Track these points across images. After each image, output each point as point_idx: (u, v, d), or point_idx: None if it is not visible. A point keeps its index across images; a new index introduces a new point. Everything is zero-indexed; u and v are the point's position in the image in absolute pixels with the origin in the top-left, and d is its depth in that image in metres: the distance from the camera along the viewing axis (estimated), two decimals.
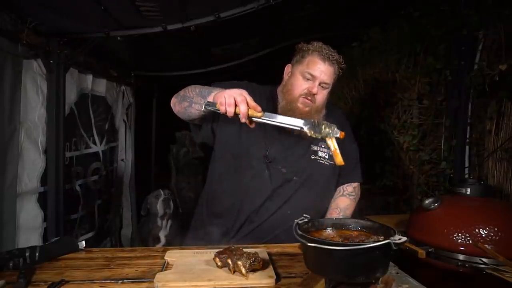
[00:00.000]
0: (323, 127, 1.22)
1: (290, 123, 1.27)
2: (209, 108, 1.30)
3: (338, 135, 1.24)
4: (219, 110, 1.28)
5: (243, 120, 1.25)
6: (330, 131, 1.23)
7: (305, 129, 1.26)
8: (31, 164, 2.24)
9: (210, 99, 1.36)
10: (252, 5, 2.03)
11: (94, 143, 3.10)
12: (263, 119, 1.25)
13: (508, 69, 2.09)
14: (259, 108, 1.27)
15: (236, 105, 1.27)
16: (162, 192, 3.54)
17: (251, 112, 1.25)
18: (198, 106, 1.41)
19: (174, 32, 2.27)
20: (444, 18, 2.60)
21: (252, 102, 1.27)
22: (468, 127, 2.52)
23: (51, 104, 2.34)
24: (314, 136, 1.27)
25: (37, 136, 2.27)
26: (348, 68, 1.67)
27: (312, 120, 1.27)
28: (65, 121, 2.49)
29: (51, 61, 2.31)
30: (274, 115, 1.27)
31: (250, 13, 2.07)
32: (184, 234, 3.30)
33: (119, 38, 2.31)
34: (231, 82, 1.61)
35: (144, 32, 2.27)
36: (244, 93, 1.29)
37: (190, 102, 1.46)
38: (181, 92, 1.54)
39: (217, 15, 2.10)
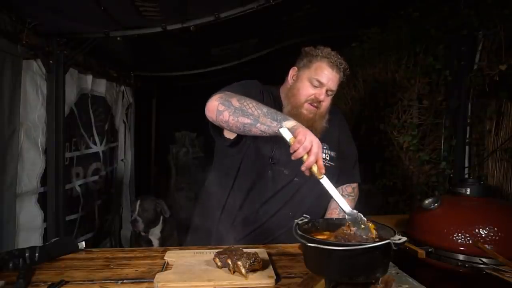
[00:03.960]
0: (361, 225, 1.08)
1: (339, 203, 1.13)
2: (283, 134, 1.19)
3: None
4: (290, 142, 1.17)
5: (303, 168, 1.14)
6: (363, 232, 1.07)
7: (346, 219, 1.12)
8: (31, 164, 2.24)
9: (288, 126, 1.22)
10: (252, 5, 2.04)
11: (94, 143, 3.10)
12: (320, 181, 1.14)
13: (508, 69, 2.09)
14: (323, 170, 1.15)
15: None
16: (137, 205, 3.14)
17: (314, 168, 1.14)
18: (266, 128, 1.26)
19: (174, 32, 2.27)
20: (444, 18, 2.60)
21: (320, 161, 1.16)
22: (468, 127, 2.51)
23: (51, 104, 2.34)
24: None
25: (37, 137, 2.27)
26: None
27: (356, 215, 1.12)
28: (65, 121, 2.49)
29: (51, 61, 2.31)
30: (330, 185, 1.14)
31: (249, 13, 2.07)
32: (179, 237, 3.25)
33: (118, 38, 2.31)
34: (245, 81, 1.57)
35: (144, 32, 2.27)
36: (320, 147, 1.18)
37: (254, 121, 1.29)
38: (234, 102, 1.33)
39: (216, 15, 2.11)
